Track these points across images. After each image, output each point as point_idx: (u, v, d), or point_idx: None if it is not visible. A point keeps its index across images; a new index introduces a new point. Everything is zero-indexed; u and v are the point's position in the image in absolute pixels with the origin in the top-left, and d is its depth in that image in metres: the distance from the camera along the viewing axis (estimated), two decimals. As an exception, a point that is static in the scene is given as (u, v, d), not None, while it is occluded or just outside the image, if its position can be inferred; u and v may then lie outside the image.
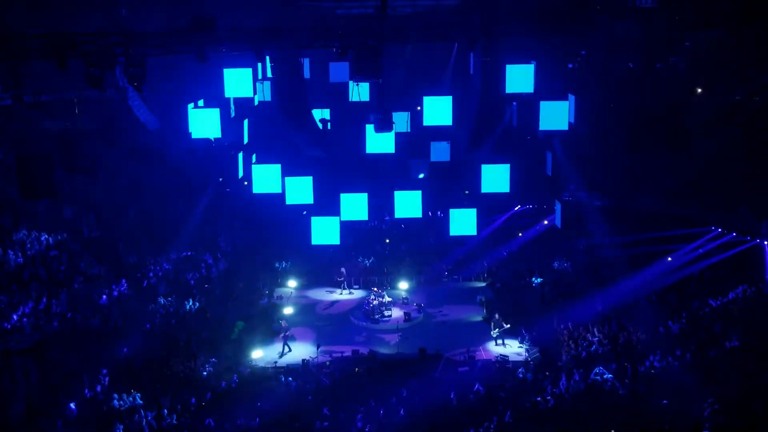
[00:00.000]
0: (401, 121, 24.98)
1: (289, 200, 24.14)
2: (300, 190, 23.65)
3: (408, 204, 23.50)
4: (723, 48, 28.63)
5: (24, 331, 24.96)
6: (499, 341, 27.83)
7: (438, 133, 24.45)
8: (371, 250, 37.10)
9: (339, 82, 25.91)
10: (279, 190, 24.32)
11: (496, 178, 23.32)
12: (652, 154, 29.90)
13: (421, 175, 30.48)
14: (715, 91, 30.36)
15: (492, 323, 28.23)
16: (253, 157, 26.04)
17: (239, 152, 25.59)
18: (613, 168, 31.40)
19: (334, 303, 33.60)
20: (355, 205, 23.58)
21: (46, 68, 17.64)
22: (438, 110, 21.88)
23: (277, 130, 27.19)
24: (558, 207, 23.34)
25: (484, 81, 21.78)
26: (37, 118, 22.41)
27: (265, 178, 24.15)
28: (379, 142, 22.05)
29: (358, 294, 34.39)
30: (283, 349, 27.33)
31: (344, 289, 34.56)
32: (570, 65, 25.51)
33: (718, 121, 29.43)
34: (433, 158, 26.47)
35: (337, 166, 27.29)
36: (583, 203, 24.12)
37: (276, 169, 24.13)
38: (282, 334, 27.64)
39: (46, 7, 20.34)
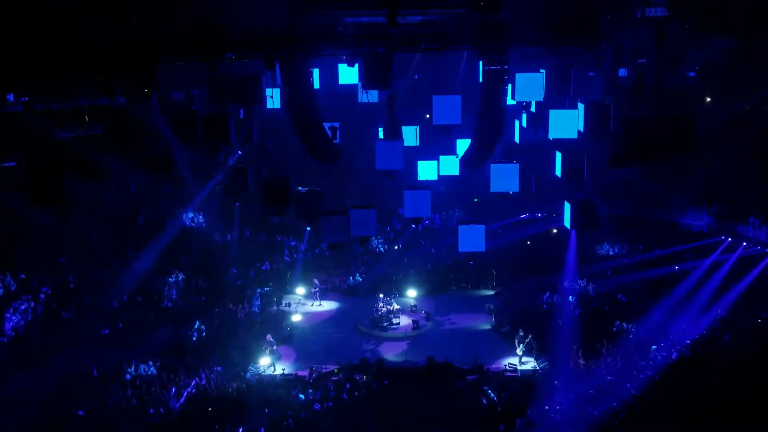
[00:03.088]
0: (410, 135, 24.89)
1: (299, 216, 24.01)
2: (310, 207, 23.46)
3: (418, 203, 23.28)
4: (733, 58, 28.53)
5: (33, 337, 25.05)
6: (524, 358, 27.23)
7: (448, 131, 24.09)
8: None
9: (348, 85, 25.82)
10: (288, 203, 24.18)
11: (505, 177, 23.13)
12: (662, 165, 29.78)
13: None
14: (726, 101, 30.25)
15: (516, 340, 27.71)
16: (264, 172, 25.97)
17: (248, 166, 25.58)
18: (622, 178, 31.32)
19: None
20: (363, 221, 23.37)
21: (56, 76, 17.73)
22: (447, 109, 21.72)
23: (286, 137, 27.14)
24: (567, 207, 23.19)
25: (492, 90, 21.64)
26: (48, 126, 22.47)
27: (275, 195, 23.98)
28: (388, 158, 21.87)
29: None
30: (272, 363, 27.08)
31: (316, 300, 34.21)
32: (580, 74, 25.39)
33: (729, 131, 29.31)
34: (442, 172, 26.35)
35: (346, 180, 27.12)
36: (593, 205, 23.90)
37: (286, 183, 23.99)
38: (268, 348, 27.43)
39: (57, 15, 20.40)
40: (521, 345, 27.36)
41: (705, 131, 29.74)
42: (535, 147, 26.70)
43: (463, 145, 25.63)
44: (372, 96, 24.46)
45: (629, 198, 33.69)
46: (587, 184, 25.63)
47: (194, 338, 27.11)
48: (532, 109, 24.26)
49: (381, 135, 23.02)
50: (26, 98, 21.12)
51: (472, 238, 23.08)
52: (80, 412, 21.74)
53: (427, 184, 24.37)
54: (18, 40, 16.69)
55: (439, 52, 20.53)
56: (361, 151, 32.66)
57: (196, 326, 27.70)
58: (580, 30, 19.71)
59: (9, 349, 24.72)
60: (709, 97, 31.15)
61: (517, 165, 23.18)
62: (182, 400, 23.15)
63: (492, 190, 23.27)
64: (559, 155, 24.54)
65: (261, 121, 26.00)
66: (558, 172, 24.67)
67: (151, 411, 22.09)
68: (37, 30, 17.39)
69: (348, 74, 24.86)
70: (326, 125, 23.65)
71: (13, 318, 25.58)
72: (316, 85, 24.48)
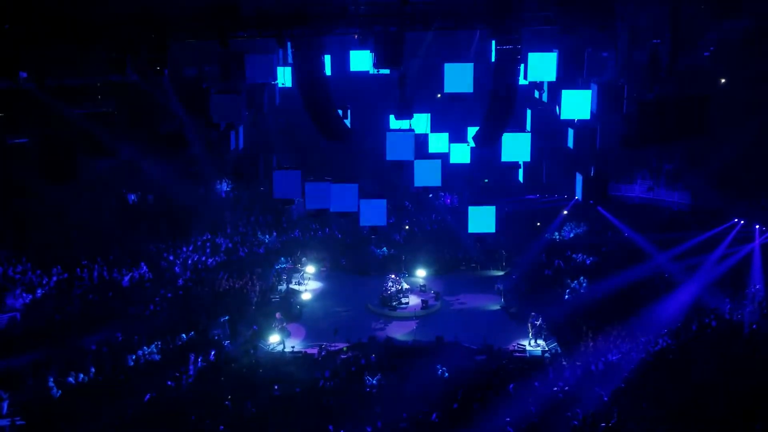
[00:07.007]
0: (421, 123, 24.80)
1: (309, 205, 24.02)
2: (319, 196, 23.47)
3: (428, 173, 23.17)
4: (749, 38, 28.23)
5: (45, 311, 25.24)
6: (534, 342, 27.16)
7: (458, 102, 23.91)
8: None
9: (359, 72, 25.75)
10: (299, 196, 24.16)
11: (516, 146, 22.95)
12: (676, 146, 29.62)
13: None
14: (740, 83, 29.96)
15: (529, 325, 27.55)
16: (274, 160, 26.02)
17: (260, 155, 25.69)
18: (636, 159, 31.16)
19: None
20: (374, 211, 23.31)
21: (69, 53, 17.75)
22: (459, 78, 21.54)
23: (297, 116, 27.02)
24: (579, 179, 23.01)
25: (504, 69, 21.50)
26: (60, 103, 22.51)
27: (286, 184, 23.97)
28: (398, 149, 21.76)
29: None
30: (282, 341, 27.18)
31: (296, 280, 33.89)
32: (593, 54, 25.15)
33: (743, 113, 29.07)
34: (453, 160, 26.31)
35: (357, 169, 26.85)
36: (605, 179, 23.67)
37: (296, 174, 23.98)
38: (277, 326, 27.59)
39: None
40: (533, 328, 27.32)
41: (720, 113, 29.57)
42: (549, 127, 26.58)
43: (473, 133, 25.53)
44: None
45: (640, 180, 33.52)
46: (599, 160, 25.40)
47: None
48: (545, 90, 24.03)
49: (391, 121, 22.88)
50: (38, 75, 21.13)
51: (482, 220, 23.02)
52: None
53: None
54: (31, 17, 16.69)
55: (451, 30, 20.41)
56: (373, 133, 32.64)
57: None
58: (594, 9, 19.52)
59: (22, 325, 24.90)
60: (723, 78, 30.86)
61: (529, 134, 23.07)
62: (192, 375, 23.35)
63: (503, 159, 23.15)
64: (571, 131, 24.39)
65: (272, 99, 26.04)
66: (570, 144, 24.42)
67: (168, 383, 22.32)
68: (50, 7, 17.39)
69: (360, 61, 24.90)
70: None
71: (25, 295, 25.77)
72: (328, 71, 24.42)
